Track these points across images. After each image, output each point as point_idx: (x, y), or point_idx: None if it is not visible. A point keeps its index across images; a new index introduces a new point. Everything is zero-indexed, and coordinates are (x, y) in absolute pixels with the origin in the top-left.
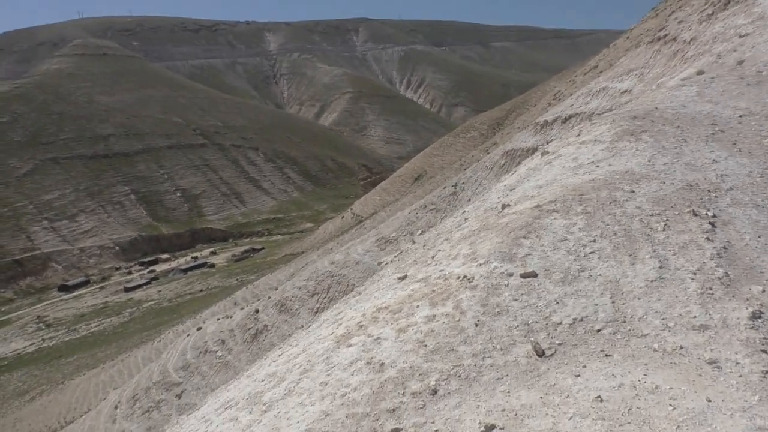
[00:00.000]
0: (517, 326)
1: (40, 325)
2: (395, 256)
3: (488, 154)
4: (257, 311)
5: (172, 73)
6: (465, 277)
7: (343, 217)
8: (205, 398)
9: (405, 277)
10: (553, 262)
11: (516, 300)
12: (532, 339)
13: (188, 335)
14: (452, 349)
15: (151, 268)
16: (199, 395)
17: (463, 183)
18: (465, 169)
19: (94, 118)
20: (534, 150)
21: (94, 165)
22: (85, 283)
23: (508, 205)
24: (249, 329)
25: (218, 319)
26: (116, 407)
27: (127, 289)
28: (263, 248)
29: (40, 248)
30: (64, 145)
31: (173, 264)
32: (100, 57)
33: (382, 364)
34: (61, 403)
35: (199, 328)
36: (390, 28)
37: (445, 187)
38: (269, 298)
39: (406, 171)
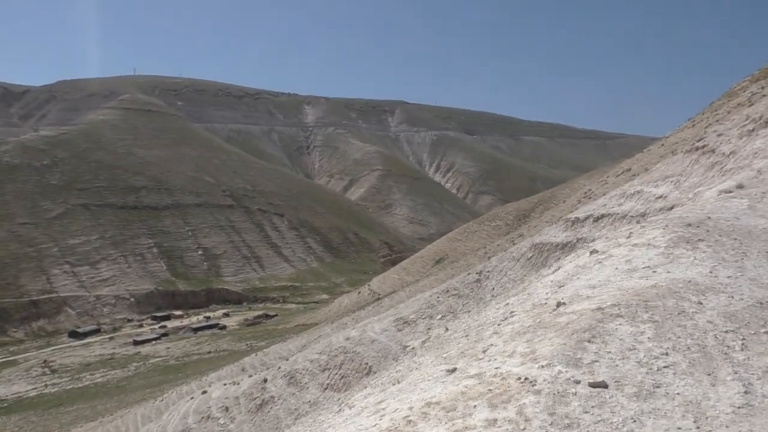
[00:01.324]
0: None
1: (46, 370)
2: (423, 342)
3: (515, 244)
4: (265, 380)
5: (210, 134)
6: (526, 379)
7: (359, 293)
8: None
9: (454, 370)
10: (623, 372)
11: (587, 412)
12: None
13: (192, 398)
14: None
15: (162, 323)
16: None
17: (488, 271)
18: (489, 258)
19: (130, 169)
20: (564, 246)
21: (122, 215)
22: (96, 332)
23: (563, 303)
24: (255, 398)
25: (224, 385)
26: None
27: (136, 342)
28: (276, 315)
29: (58, 291)
30: (96, 192)
31: (185, 322)
32: (144, 113)
33: None
34: None
35: (204, 392)
36: (425, 113)
37: (468, 274)
38: (279, 368)
39: (427, 253)
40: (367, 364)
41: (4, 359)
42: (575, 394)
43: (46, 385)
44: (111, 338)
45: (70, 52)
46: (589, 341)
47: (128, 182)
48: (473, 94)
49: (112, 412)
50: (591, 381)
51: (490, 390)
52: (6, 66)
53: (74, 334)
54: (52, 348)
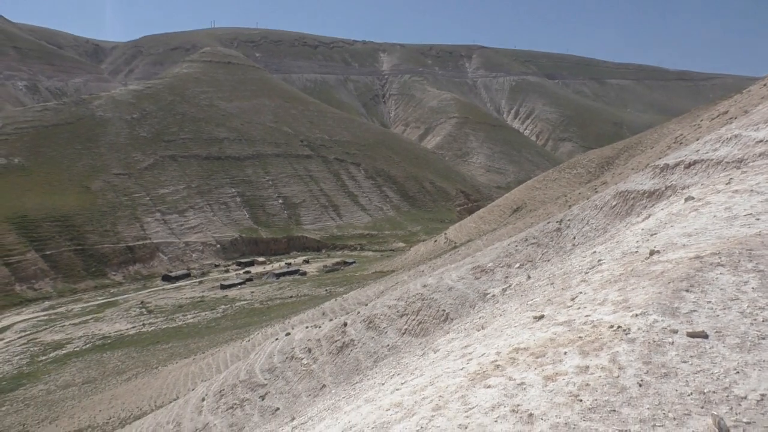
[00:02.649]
0: (691, 394)
1: (143, 310)
2: (503, 289)
3: (597, 192)
4: (345, 324)
5: (287, 85)
6: (619, 327)
7: (436, 241)
8: (301, 410)
9: (542, 317)
10: (725, 323)
11: (685, 362)
12: (713, 412)
13: (276, 339)
14: (614, 410)
15: (247, 269)
16: (281, 399)
17: (569, 220)
18: (570, 206)
19: (212, 121)
20: (652, 194)
21: (207, 165)
22: (186, 276)
23: (657, 252)
24: (336, 341)
25: (306, 327)
26: (203, 399)
27: (223, 287)
28: (354, 262)
29: (151, 238)
30: (182, 144)
31: (268, 268)
32: (224, 65)
33: (531, 414)
34: (153, 387)
35: (288, 334)
36: (504, 57)
37: (548, 222)
38: (358, 313)
39: (505, 201)
40: (444, 311)
41: (106, 300)
42: (672, 343)
43: (143, 324)
44: (200, 282)
45: (153, 6)
46: (687, 290)
47: (211, 134)
48: (555, 35)
49: (204, 351)
50: (689, 330)
51: (580, 337)
52: (95, 23)
53: (167, 278)
54: (147, 290)
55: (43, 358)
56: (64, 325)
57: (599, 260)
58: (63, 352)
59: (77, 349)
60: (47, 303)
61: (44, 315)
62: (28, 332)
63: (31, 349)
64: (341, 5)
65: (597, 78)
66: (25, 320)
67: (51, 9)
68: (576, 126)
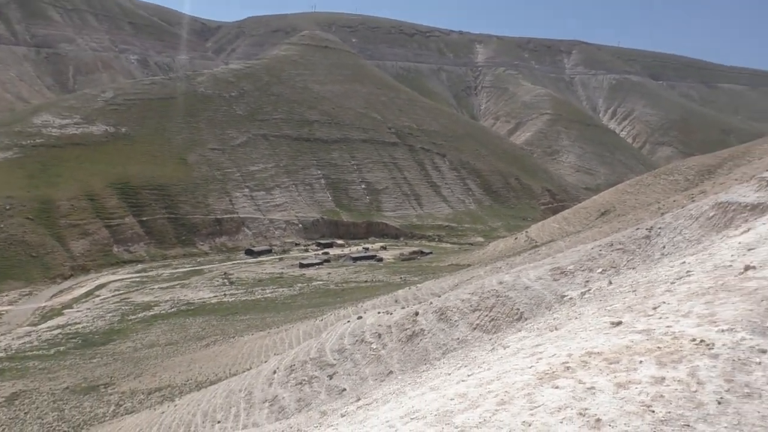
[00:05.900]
0: None
1: (225, 281)
2: (582, 293)
3: (694, 201)
4: (417, 314)
5: (380, 71)
6: (702, 341)
7: (516, 239)
8: (366, 392)
9: (620, 323)
10: None
11: None
12: None
13: (348, 321)
14: (687, 425)
15: (325, 250)
16: (348, 380)
17: (660, 228)
18: (663, 214)
19: (305, 103)
20: (755, 207)
21: (296, 146)
22: (268, 252)
23: (753, 267)
24: (406, 329)
25: (378, 313)
26: (274, 372)
27: (302, 266)
28: (431, 253)
29: (238, 213)
30: (274, 124)
31: (345, 251)
32: (321, 49)
33: (599, 419)
34: (229, 356)
35: (360, 317)
36: (606, 54)
37: (637, 229)
38: (430, 303)
39: (592, 204)
40: (518, 309)
41: (192, 268)
42: (759, 363)
43: (225, 295)
44: (280, 259)
45: None
46: None
47: (303, 115)
48: (662, 34)
49: (278, 326)
50: None
51: (659, 347)
52: (204, 2)
53: (249, 252)
54: (231, 262)
55: (133, 317)
56: (153, 288)
57: (688, 271)
58: (150, 313)
59: (163, 312)
60: (140, 266)
61: (137, 277)
62: (122, 292)
63: (123, 307)
64: None
65: (706, 81)
66: (119, 280)
67: None
68: (677, 130)
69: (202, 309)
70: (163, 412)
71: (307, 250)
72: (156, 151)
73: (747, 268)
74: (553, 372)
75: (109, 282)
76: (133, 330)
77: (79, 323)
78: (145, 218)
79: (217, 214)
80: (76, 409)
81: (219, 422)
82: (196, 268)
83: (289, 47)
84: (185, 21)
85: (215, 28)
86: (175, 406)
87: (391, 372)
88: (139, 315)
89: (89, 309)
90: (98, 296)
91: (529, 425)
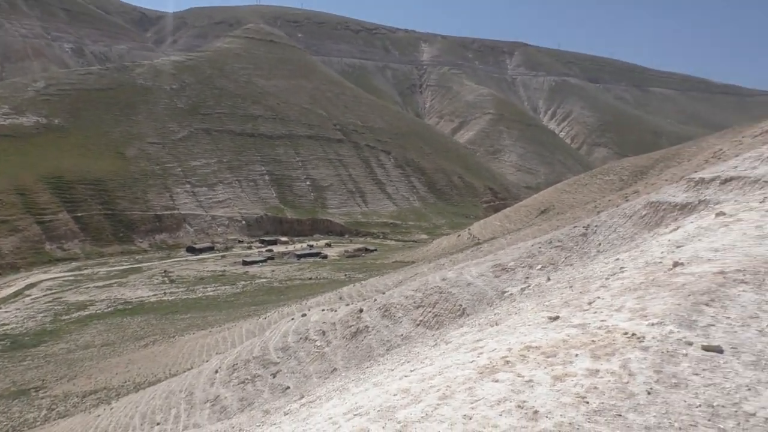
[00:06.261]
0: (699, 406)
1: (165, 279)
2: (522, 289)
3: (628, 201)
4: (361, 310)
5: (326, 67)
6: (634, 334)
7: (459, 236)
8: (310, 390)
9: (557, 318)
10: (741, 340)
11: (697, 375)
12: (720, 426)
13: (292, 319)
14: (619, 414)
15: (269, 247)
16: (292, 378)
17: (596, 226)
18: (599, 213)
19: (249, 98)
20: (684, 207)
21: (239, 141)
22: (210, 249)
23: (681, 264)
24: (350, 326)
25: (323, 310)
26: (216, 372)
27: (245, 263)
28: (376, 250)
29: (179, 209)
30: (217, 118)
31: (290, 248)
32: (266, 43)
33: (536, 411)
34: (169, 356)
35: (304, 315)
36: (546, 57)
37: (575, 227)
38: (375, 300)
39: (533, 202)
40: (461, 305)
41: (131, 266)
42: (686, 355)
43: (164, 293)
44: (223, 256)
45: None
46: (706, 304)
47: (247, 110)
48: (599, 38)
49: (221, 324)
50: (705, 344)
51: (593, 341)
52: None
53: (191, 250)
54: (171, 260)
55: (66, 317)
56: (88, 287)
57: (621, 267)
58: (85, 313)
59: (99, 311)
60: (74, 264)
61: (71, 275)
62: (54, 291)
63: (56, 307)
64: None
65: (640, 85)
66: (52, 279)
67: None
68: (613, 132)
69: (141, 308)
70: (98, 416)
71: (250, 248)
72: (92, 145)
73: (676, 264)
74: (494, 366)
75: (41, 281)
76: (67, 331)
77: (7, 324)
78: (80, 214)
79: (157, 210)
80: (4, 415)
81: (158, 424)
82: (135, 266)
83: (233, 40)
84: (124, 9)
85: (156, 18)
86: (112, 408)
87: (335, 369)
88: (74, 315)
89: (18, 309)
90: (29, 296)
91: (470, 419)
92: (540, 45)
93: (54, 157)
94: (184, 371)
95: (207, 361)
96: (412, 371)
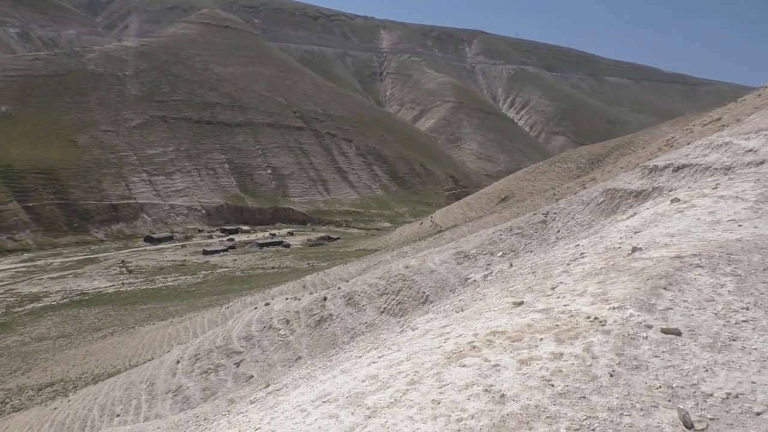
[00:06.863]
0: (659, 387)
1: (123, 270)
2: (484, 276)
3: (585, 188)
4: (325, 299)
5: (284, 54)
6: (596, 318)
7: (421, 224)
8: (275, 378)
9: (521, 303)
10: (698, 322)
11: (656, 357)
12: (680, 406)
13: (255, 308)
14: (584, 396)
15: (230, 236)
16: (256, 367)
17: (555, 213)
18: (557, 200)
19: (205, 85)
20: (639, 193)
21: (197, 129)
22: (169, 239)
23: (639, 249)
24: (314, 314)
25: (286, 299)
26: (178, 362)
27: (205, 252)
28: (339, 238)
29: (135, 198)
30: (174, 105)
31: (252, 237)
32: (222, 29)
33: (503, 395)
34: (129, 347)
35: (267, 304)
36: (505, 45)
37: (534, 214)
38: (339, 288)
39: (493, 190)
40: (424, 293)
41: (86, 256)
42: (646, 338)
43: (123, 284)
44: (183, 246)
45: None
46: (664, 288)
47: (204, 97)
48: (556, 28)
49: (182, 314)
50: (663, 327)
51: (557, 325)
52: None
53: (149, 239)
54: (129, 250)
55: (19, 309)
56: (42, 278)
57: (582, 253)
58: (39, 305)
59: (54, 303)
60: (26, 255)
61: (23, 267)
62: (5, 283)
63: (8, 299)
64: None
65: (595, 74)
66: (2, 270)
67: None
68: (570, 121)
69: (98, 299)
70: (56, 408)
71: (211, 237)
72: (42, 132)
73: (634, 249)
74: (461, 351)
75: None
76: (20, 323)
77: None
78: (31, 204)
79: (113, 199)
80: None
81: (118, 416)
82: (91, 256)
83: (188, 26)
84: None
85: (106, 3)
86: (69, 401)
87: (299, 357)
88: (27, 307)
89: None
90: None
91: (439, 403)
92: (499, 34)
93: (1, 145)
94: (145, 362)
95: (168, 352)
96: (380, 357)
